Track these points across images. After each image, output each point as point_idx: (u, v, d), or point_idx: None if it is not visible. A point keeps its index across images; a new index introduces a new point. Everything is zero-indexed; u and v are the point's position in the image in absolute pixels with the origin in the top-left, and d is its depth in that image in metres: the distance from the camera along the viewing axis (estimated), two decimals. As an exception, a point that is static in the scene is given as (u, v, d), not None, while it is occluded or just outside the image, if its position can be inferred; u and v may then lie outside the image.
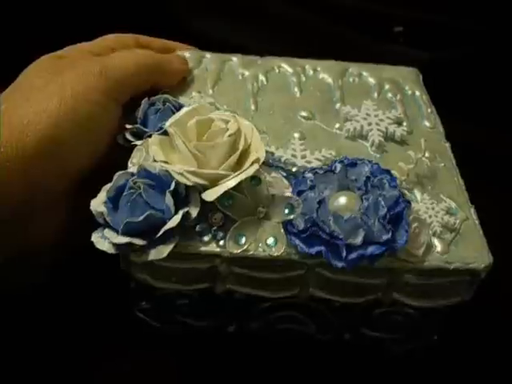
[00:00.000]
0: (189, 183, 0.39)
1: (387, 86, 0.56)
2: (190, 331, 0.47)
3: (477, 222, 0.44)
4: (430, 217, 0.43)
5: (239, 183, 0.39)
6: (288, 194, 0.40)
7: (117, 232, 0.38)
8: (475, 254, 0.42)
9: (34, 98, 0.42)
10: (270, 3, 0.85)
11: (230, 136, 0.40)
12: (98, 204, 0.40)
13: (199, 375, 0.47)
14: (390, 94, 0.55)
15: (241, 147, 0.41)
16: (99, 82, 0.44)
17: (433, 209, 0.44)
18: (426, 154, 0.48)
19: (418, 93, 0.56)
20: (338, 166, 0.41)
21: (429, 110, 0.54)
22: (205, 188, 0.40)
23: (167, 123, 0.42)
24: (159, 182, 0.40)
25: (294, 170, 0.44)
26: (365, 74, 0.57)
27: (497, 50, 0.79)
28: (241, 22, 0.83)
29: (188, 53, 0.57)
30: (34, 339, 0.47)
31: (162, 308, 0.46)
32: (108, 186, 0.41)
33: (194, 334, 0.48)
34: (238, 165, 0.41)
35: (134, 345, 0.47)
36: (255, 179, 0.40)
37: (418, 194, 0.45)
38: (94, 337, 0.48)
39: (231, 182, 0.39)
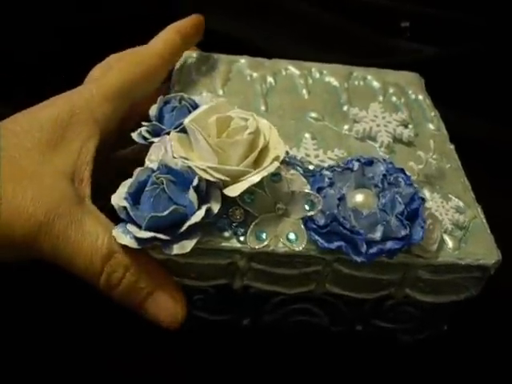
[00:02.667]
0: (212, 179, 0.39)
1: (391, 90, 0.57)
2: (205, 325, 0.48)
3: (484, 220, 0.46)
4: (441, 215, 0.45)
5: (260, 180, 0.40)
6: (308, 190, 0.41)
7: (139, 227, 0.39)
8: (484, 250, 0.43)
9: None
10: (280, 2, 0.86)
11: (250, 134, 0.41)
12: (118, 199, 0.40)
13: (214, 369, 0.47)
14: (394, 98, 0.57)
15: (260, 145, 0.41)
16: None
17: (443, 207, 0.45)
18: (434, 156, 0.49)
19: (421, 97, 0.58)
20: (356, 164, 0.42)
21: (432, 114, 0.56)
22: (225, 184, 0.40)
23: (186, 120, 0.42)
24: (181, 177, 0.40)
25: (310, 167, 0.45)
26: (369, 77, 0.59)
27: (504, 46, 0.80)
28: (249, 18, 0.83)
29: (195, 54, 0.58)
30: (37, 337, 0.47)
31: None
32: (128, 181, 0.41)
33: (208, 327, 0.48)
34: (256, 163, 0.42)
35: (148, 340, 0.47)
36: (276, 176, 0.41)
37: (427, 193, 0.47)
38: (108, 332, 0.48)
39: (255, 178, 0.39)
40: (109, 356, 0.47)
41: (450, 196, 0.47)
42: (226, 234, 0.40)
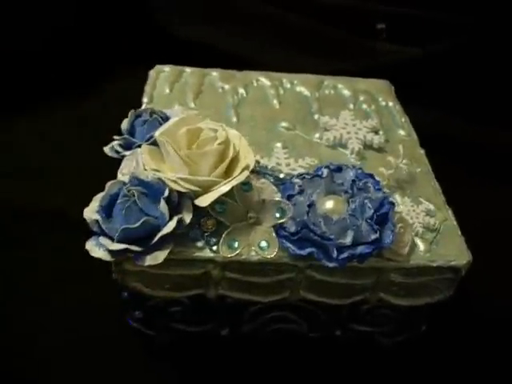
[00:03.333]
0: (182, 190, 0.40)
1: (362, 98, 0.58)
2: (184, 337, 0.48)
3: (455, 222, 0.46)
4: (412, 218, 0.45)
5: (230, 189, 0.40)
6: (278, 198, 0.42)
7: (112, 239, 0.39)
8: (455, 252, 0.44)
9: None
10: (255, 7, 0.87)
11: (219, 144, 0.42)
12: (91, 212, 0.40)
13: (195, 380, 0.47)
14: (364, 105, 0.58)
15: (230, 155, 0.42)
16: None
17: (414, 211, 0.46)
18: (404, 161, 0.50)
19: (391, 103, 0.59)
20: (325, 171, 0.43)
21: (402, 120, 0.57)
22: (197, 195, 0.40)
23: (157, 132, 0.43)
24: (152, 189, 0.40)
25: (281, 176, 0.45)
26: (340, 86, 0.60)
27: (482, 44, 0.81)
28: (229, 27, 0.85)
29: (168, 68, 0.58)
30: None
31: (155, 316, 0.46)
32: (100, 195, 0.41)
33: (187, 339, 0.48)
34: (227, 173, 0.42)
35: (129, 354, 0.47)
36: (246, 185, 0.41)
37: (398, 197, 0.47)
38: (90, 349, 0.48)
39: (224, 188, 0.40)
40: (88, 371, 0.47)
41: (420, 199, 0.48)
42: (199, 244, 0.41)
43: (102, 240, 0.39)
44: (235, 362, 0.48)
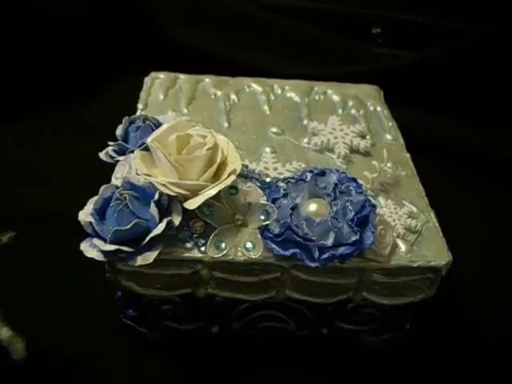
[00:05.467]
0: (171, 193, 0.42)
1: (351, 103, 0.60)
2: (176, 335, 0.50)
3: (437, 224, 0.48)
4: (394, 220, 0.47)
5: (218, 193, 0.42)
6: (263, 201, 0.44)
7: (105, 241, 0.41)
8: (436, 252, 0.45)
9: None
10: (247, 12, 0.88)
11: (208, 150, 0.43)
12: (85, 215, 0.42)
13: (187, 376, 0.49)
14: (353, 110, 0.59)
15: (218, 160, 0.44)
16: None
17: (396, 213, 0.48)
18: (389, 164, 0.52)
19: (379, 108, 0.60)
20: (309, 176, 0.45)
21: (390, 124, 0.58)
22: (186, 198, 0.42)
23: (149, 139, 0.44)
24: (143, 193, 0.42)
25: (267, 180, 0.47)
26: (329, 91, 0.62)
27: (476, 48, 0.83)
28: (223, 32, 0.86)
29: (162, 74, 0.60)
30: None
31: (148, 314, 0.48)
32: (94, 198, 0.43)
33: (179, 337, 0.50)
34: (215, 177, 0.44)
35: (122, 350, 0.49)
36: (233, 189, 0.43)
37: (382, 200, 0.49)
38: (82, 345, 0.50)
39: (212, 191, 0.42)
40: (81, 368, 0.49)
41: (403, 202, 0.49)
42: (188, 245, 0.43)
43: (96, 241, 0.41)
44: (225, 358, 0.50)
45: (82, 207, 0.43)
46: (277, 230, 0.42)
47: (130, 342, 0.50)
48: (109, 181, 0.45)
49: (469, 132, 0.77)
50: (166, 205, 0.42)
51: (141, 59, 0.82)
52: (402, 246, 0.45)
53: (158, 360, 0.50)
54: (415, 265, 0.44)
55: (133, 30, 0.85)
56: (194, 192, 0.42)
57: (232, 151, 0.45)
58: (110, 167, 0.48)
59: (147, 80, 0.60)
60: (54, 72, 0.80)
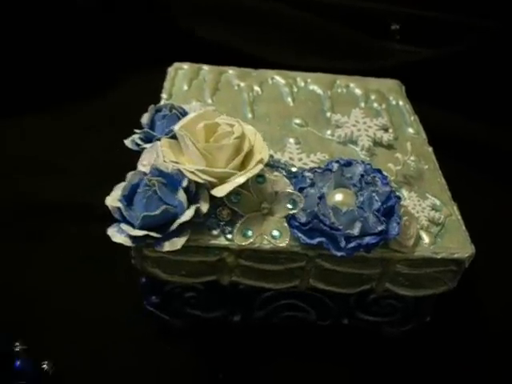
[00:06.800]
0: (200, 181, 0.42)
1: (373, 97, 0.61)
2: (198, 322, 0.50)
3: (459, 217, 0.48)
4: (418, 212, 0.47)
5: (245, 181, 0.43)
6: (290, 190, 0.44)
7: (133, 226, 0.41)
8: (459, 245, 0.46)
9: None
10: (267, 6, 0.89)
11: (235, 138, 0.44)
12: (113, 200, 0.43)
13: (208, 364, 0.50)
14: (375, 104, 0.60)
15: (246, 149, 0.44)
16: None
17: (420, 205, 0.48)
18: (412, 157, 0.52)
19: (401, 103, 0.61)
20: (335, 166, 0.45)
21: (412, 118, 0.58)
22: (213, 186, 0.43)
23: (176, 126, 0.45)
24: (171, 180, 0.43)
25: (293, 170, 0.47)
26: (352, 85, 0.62)
27: (495, 46, 0.82)
28: (242, 25, 0.86)
29: (186, 65, 0.61)
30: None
31: (171, 301, 0.49)
32: (121, 184, 0.44)
33: (201, 324, 0.50)
34: (242, 166, 0.44)
35: (144, 337, 0.50)
36: (260, 177, 0.43)
37: (405, 192, 0.49)
38: (105, 331, 0.50)
39: (240, 179, 0.42)
40: (103, 354, 0.49)
41: (427, 195, 0.50)
42: (215, 233, 0.43)
43: (124, 226, 0.41)
44: (246, 346, 0.51)
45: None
46: (303, 219, 0.42)
47: (152, 329, 0.51)
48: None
49: (489, 128, 0.77)
50: (194, 192, 0.43)
51: (160, 52, 0.82)
52: (426, 238, 0.46)
53: (179, 347, 0.50)
54: (439, 256, 0.45)
55: (144, 24, 0.85)
56: (222, 180, 0.43)
57: (259, 141, 0.45)
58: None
59: (171, 70, 0.61)
60: (68, 66, 0.80)
